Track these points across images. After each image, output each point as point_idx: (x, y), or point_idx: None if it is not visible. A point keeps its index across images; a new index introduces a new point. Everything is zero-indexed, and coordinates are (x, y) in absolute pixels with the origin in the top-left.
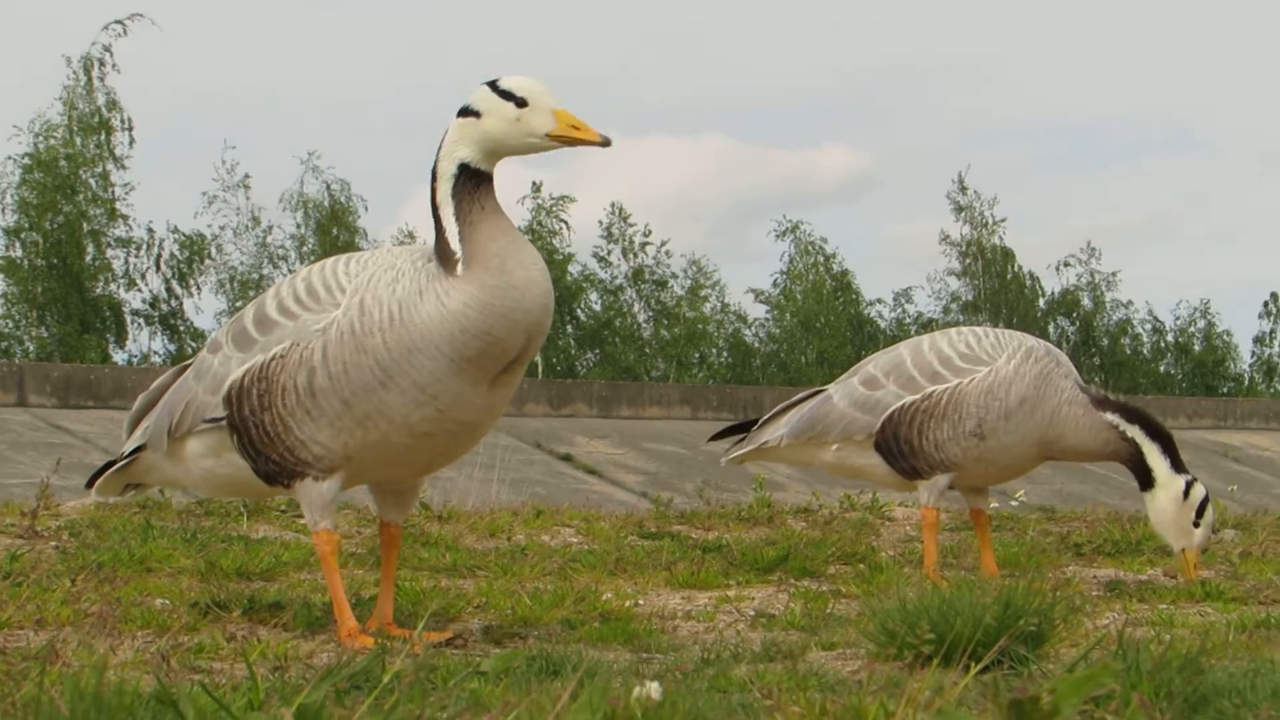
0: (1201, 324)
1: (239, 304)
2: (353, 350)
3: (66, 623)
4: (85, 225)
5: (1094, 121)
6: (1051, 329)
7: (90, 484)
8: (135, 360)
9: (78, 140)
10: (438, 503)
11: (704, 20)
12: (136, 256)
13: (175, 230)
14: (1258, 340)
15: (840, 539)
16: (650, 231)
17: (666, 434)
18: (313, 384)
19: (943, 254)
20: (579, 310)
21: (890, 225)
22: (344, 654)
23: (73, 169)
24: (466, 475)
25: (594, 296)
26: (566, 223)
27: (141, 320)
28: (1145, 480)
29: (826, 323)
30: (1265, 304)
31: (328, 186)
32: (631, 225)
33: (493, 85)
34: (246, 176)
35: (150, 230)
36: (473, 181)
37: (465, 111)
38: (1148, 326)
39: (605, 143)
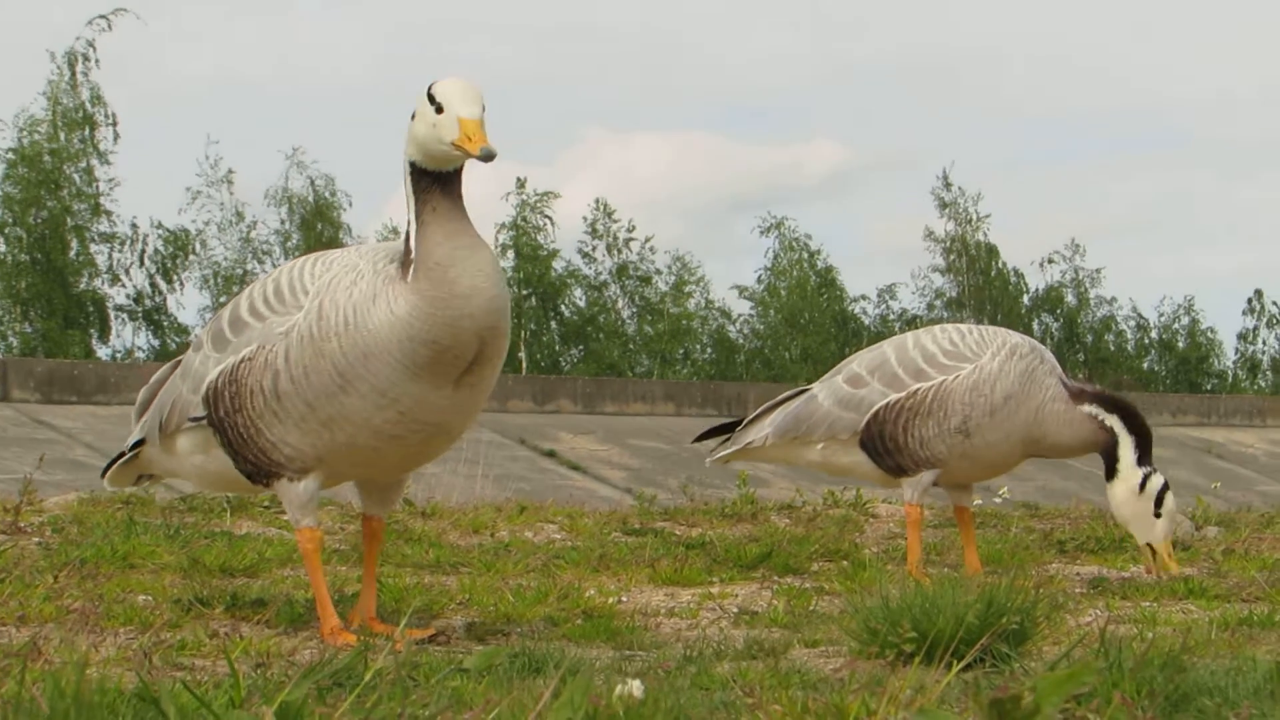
0: (1185, 321)
1: (223, 300)
2: (312, 355)
3: (49, 619)
4: (69, 220)
5: (1079, 119)
6: (1035, 325)
7: (104, 474)
8: (119, 356)
9: (62, 135)
10: (421, 499)
11: (690, 16)
12: (120, 252)
13: (159, 226)
14: (1241, 337)
15: (824, 536)
16: (634, 227)
17: (650, 430)
18: (277, 387)
19: (927, 250)
20: (563, 306)
21: (875, 221)
22: (326, 651)
23: (57, 164)
24: (450, 471)
25: (578, 292)
26: (550, 218)
27: (125, 316)
28: (1111, 470)
29: (811, 319)
30: (1249, 301)
31: (312, 182)
32: (616, 221)
33: (430, 87)
34: (230, 172)
35: (134, 225)
36: (426, 180)
37: (412, 114)
38: (1132, 323)
39: (483, 157)
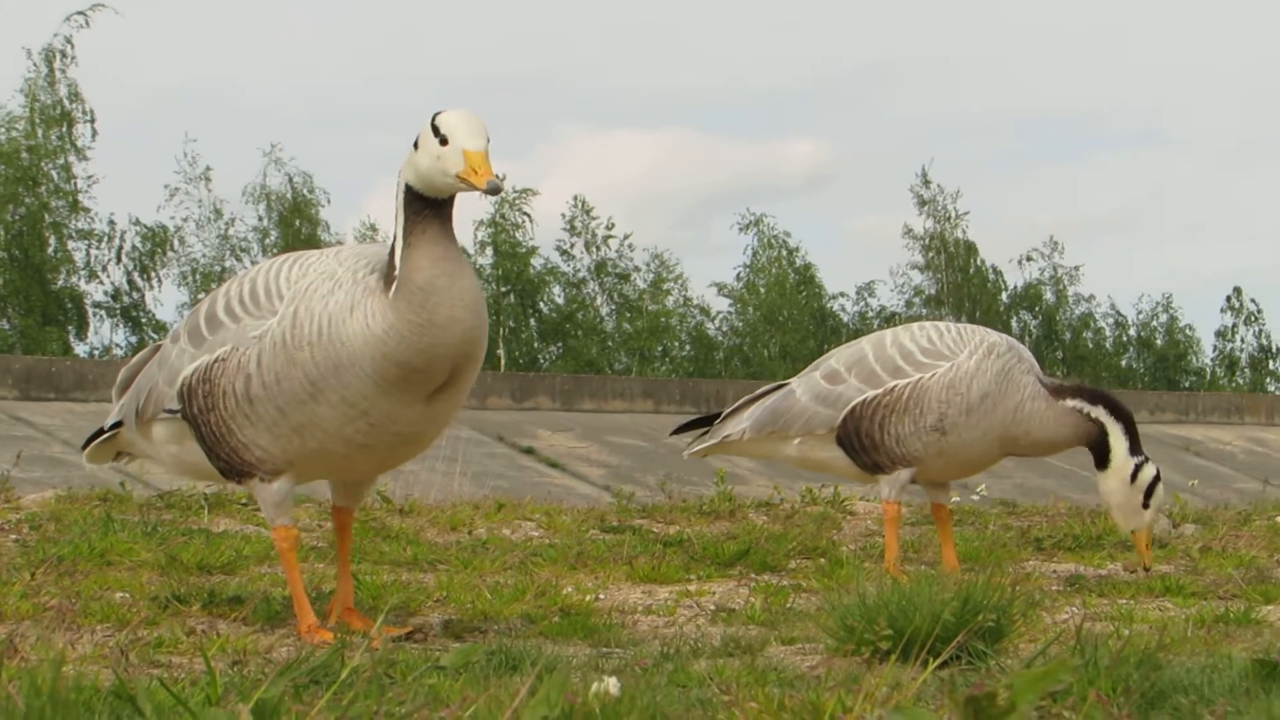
0: (1164, 318)
1: (201, 296)
2: (284, 362)
3: (25, 617)
4: (47, 217)
5: (1057, 116)
6: (1014, 323)
7: (83, 448)
8: (97, 352)
9: (39, 132)
10: (399, 496)
11: (669, 14)
12: (98, 249)
13: (137, 222)
14: (1219, 334)
15: (801, 533)
16: (613, 225)
17: (629, 427)
18: (249, 391)
19: (906, 248)
20: (542, 303)
21: (854, 219)
22: (303, 649)
23: (34, 161)
24: (429, 468)
25: (556, 289)
26: (529, 216)
27: (103, 312)
28: (1102, 460)
29: (789, 316)
30: (1228, 298)
31: (290, 179)
32: (594, 218)
33: (434, 118)
34: (208, 169)
35: (112, 222)
36: (419, 204)
37: (415, 141)
38: (1110, 321)
39: (490, 191)
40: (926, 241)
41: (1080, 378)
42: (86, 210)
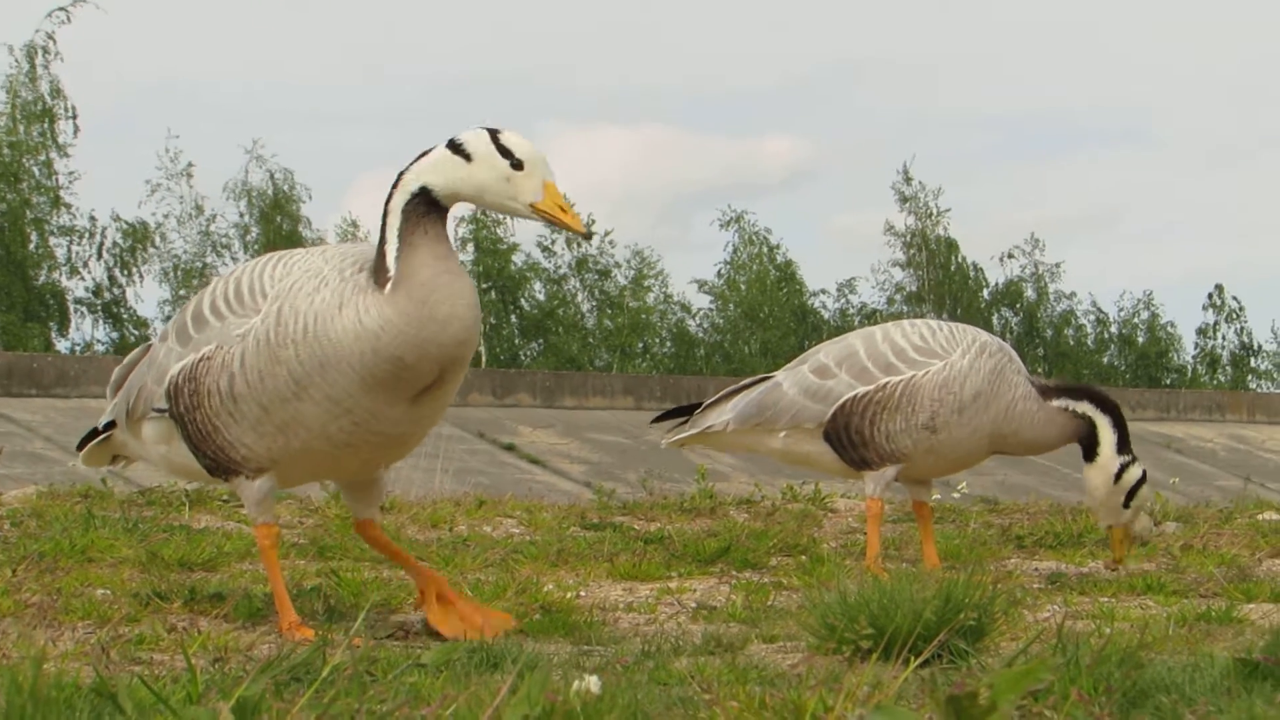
0: (1145, 316)
1: (182, 293)
2: (267, 360)
3: (6, 614)
4: (29, 213)
5: (1038, 113)
6: (995, 320)
7: (78, 448)
8: (78, 349)
9: (21, 128)
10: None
11: (650, 9)
12: (80, 245)
13: (118, 219)
14: (1201, 332)
15: (782, 531)
16: (594, 221)
17: (610, 424)
18: (233, 389)
19: (887, 245)
20: (522, 300)
21: (835, 216)
22: (284, 646)
23: (16, 156)
24: (410, 465)
25: (537, 286)
26: None
27: (84, 309)
28: (1090, 453)
29: (770, 313)
30: (1209, 296)
31: (271, 175)
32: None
33: (494, 136)
34: (190, 165)
35: (93, 218)
36: (427, 207)
37: (457, 149)
38: (1091, 318)
39: (587, 235)
40: (908, 238)
41: (1062, 375)
42: (68, 206)
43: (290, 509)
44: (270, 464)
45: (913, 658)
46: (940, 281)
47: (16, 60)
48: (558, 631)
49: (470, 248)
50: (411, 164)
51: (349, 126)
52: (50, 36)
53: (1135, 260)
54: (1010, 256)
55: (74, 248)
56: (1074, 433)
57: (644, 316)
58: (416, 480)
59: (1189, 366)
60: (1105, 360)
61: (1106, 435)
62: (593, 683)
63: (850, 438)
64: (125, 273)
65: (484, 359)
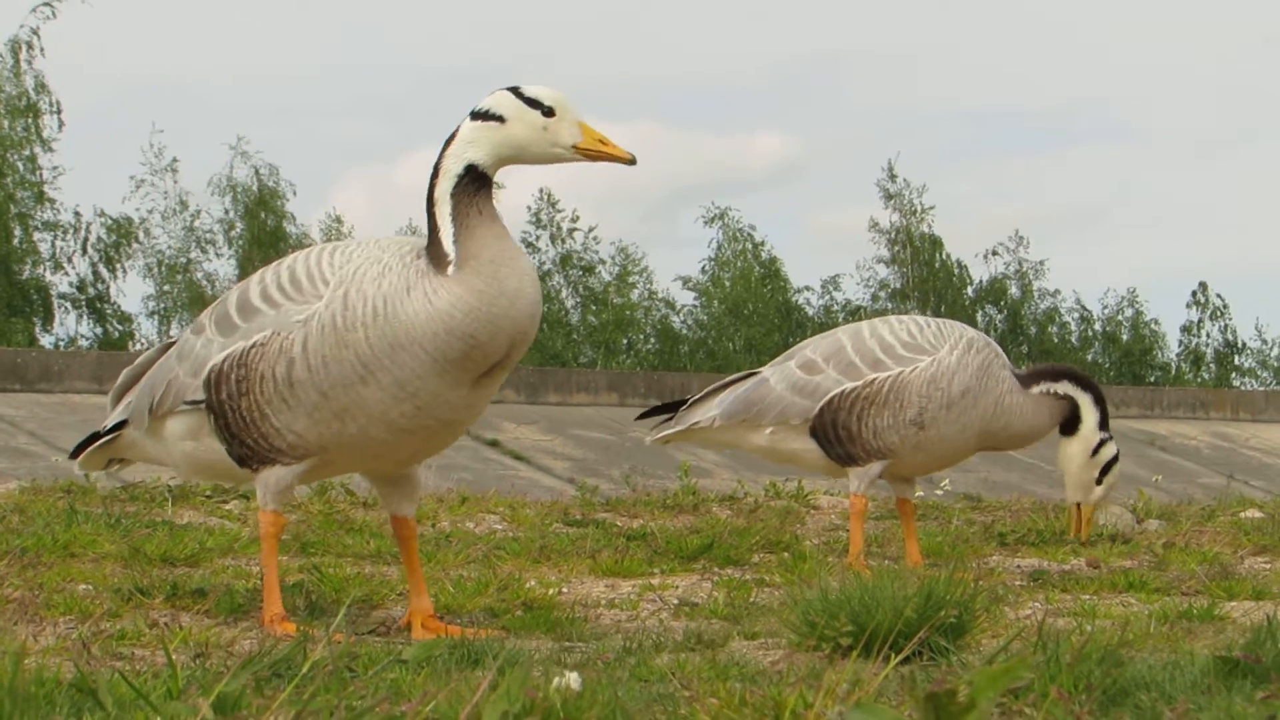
0: (1129, 313)
1: (166, 288)
2: (333, 344)
3: None
4: (12, 208)
5: (1023, 111)
6: (979, 317)
7: (74, 455)
8: (62, 344)
9: (5, 123)
10: (362, 488)
11: (635, 4)
12: (64, 240)
13: (103, 214)
14: (1185, 329)
15: (765, 527)
16: (578, 217)
17: (594, 420)
18: (291, 374)
19: (871, 241)
20: None
21: (820, 212)
22: (265, 642)
23: (0, 151)
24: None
25: None
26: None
27: (68, 304)
28: (1070, 427)
29: (754, 310)
30: (1193, 293)
31: (256, 171)
32: (560, 211)
33: (516, 92)
34: (175, 160)
35: (78, 214)
36: (475, 184)
37: (485, 115)
38: (1075, 315)
39: (631, 160)
40: (892, 235)
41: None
42: (52, 202)
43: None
44: (318, 451)
45: (893, 655)
46: (924, 278)
47: (1, 55)
48: (539, 628)
49: None
50: (444, 150)
51: (333, 122)
52: (35, 32)
53: (1119, 257)
54: (994, 254)
55: (58, 243)
56: (1059, 415)
57: (628, 313)
58: None
59: (1173, 364)
60: (1089, 358)
61: (1089, 411)
62: (573, 679)
63: (837, 433)
64: (109, 268)
65: None
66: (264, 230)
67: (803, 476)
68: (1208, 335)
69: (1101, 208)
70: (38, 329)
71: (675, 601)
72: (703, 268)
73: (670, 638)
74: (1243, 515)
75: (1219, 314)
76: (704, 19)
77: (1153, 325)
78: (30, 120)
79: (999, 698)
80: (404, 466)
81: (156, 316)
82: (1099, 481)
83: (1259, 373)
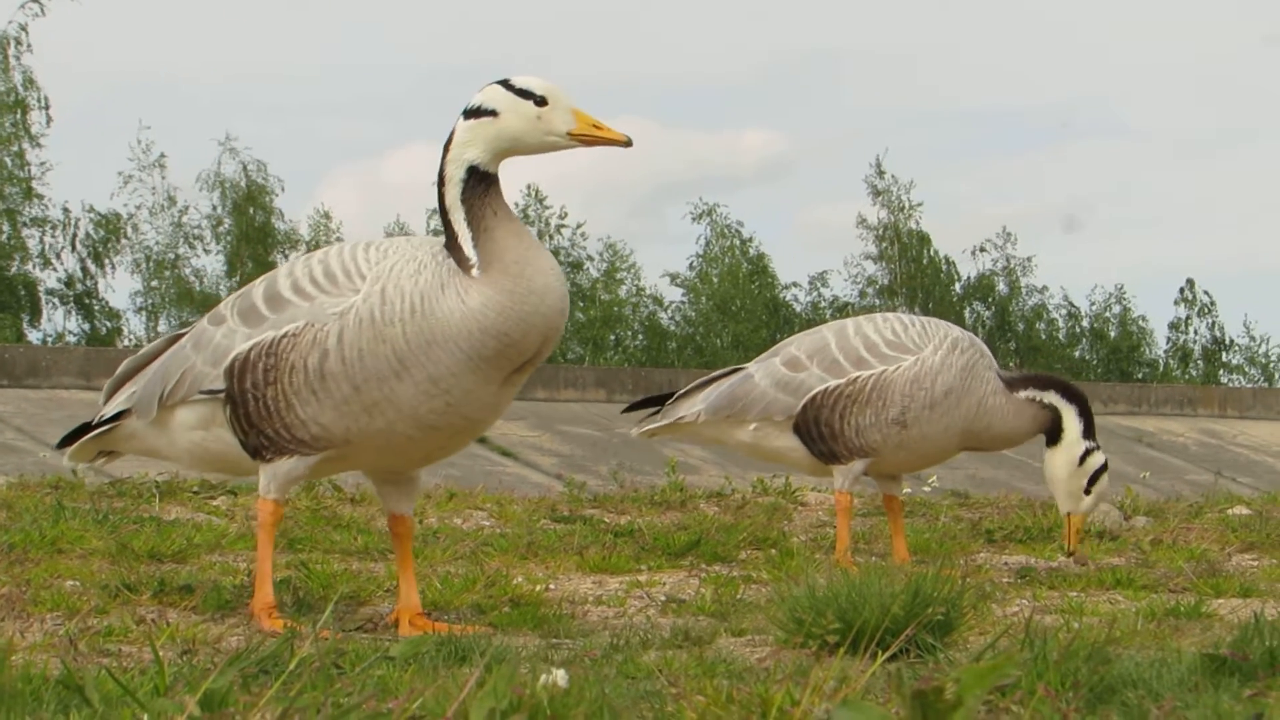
0: (1117, 310)
1: (154, 284)
2: (370, 338)
3: None
4: (0, 204)
5: (1011, 107)
6: (967, 314)
7: (62, 445)
8: (50, 340)
9: None
10: (350, 485)
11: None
12: (52, 236)
13: (91, 210)
14: (1173, 326)
15: (752, 524)
16: (566, 214)
17: (581, 416)
18: (324, 366)
19: (859, 238)
20: None
21: (808, 209)
22: (252, 638)
23: None
24: None
25: None
26: None
27: (56, 300)
28: (1054, 438)
29: (742, 306)
30: (1181, 290)
31: (244, 167)
32: (548, 208)
33: (507, 84)
34: (163, 156)
35: (66, 210)
36: (481, 185)
37: (477, 112)
38: (1063, 312)
39: (627, 143)
40: (880, 232)
41: (1033, 368)
42: (40, 197)
43: None
44: (341, 444)
45: (880, 652)
46: (912, 275)
47: None
48: (526, 624)
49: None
50: (444, 158)
51: (322, 118)
52: (23, 28)
53: (1107, 254)
54: (982, 250)
55: (46, 239)
56: (1042, 423)
57: (616, 309)
58: None
59: (1161, 361)
60: (1077, 354)
61: (1071, 421)
62: (560, 676)
63: (820, 431)
64: (97, 264)
65: None
66: (252, 226)
67: (789, 473)
68: (1195, 332)
69: (1089, 205)
70: (25, 325)
71: (662, 598)
72: (690, 264)
73: (657, 634)
74: (1230, 512)
75: (1207, 311)
76: (698, 18)
77: (1140, 322)
78: (18, 116)
79: (986, 695)
80: (416, 467)
81: (144, 312)
82: (1087, 491)
83: (1247, 369)
